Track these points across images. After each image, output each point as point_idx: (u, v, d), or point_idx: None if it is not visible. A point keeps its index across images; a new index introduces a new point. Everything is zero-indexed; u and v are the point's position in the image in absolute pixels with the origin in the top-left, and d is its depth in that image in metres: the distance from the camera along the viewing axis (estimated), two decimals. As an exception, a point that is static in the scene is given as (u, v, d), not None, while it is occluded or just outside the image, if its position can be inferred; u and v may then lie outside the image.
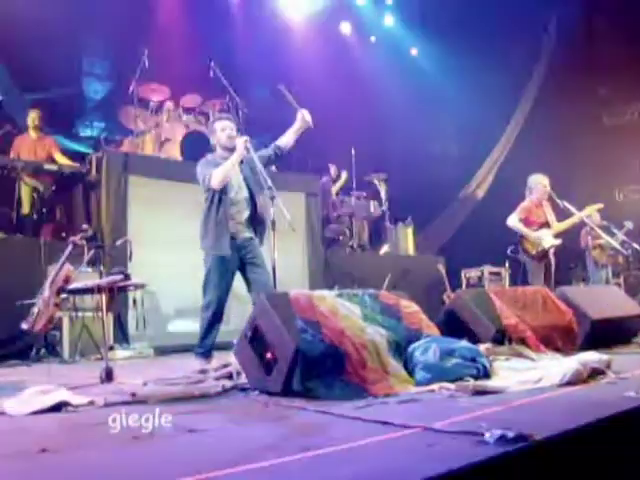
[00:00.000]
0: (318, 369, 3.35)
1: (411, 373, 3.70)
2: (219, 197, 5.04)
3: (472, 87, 11.42)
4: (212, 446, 2.48)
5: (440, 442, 2.29)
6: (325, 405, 3.08)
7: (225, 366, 4.45)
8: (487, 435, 2.18)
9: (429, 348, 3.72)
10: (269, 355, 3.46)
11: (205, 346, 5.04)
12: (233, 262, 5.07)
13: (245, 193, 5.17)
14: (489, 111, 11.63)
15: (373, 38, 13.41)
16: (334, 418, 2.87)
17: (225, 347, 5.30)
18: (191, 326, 5.24)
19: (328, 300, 3.70)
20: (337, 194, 10.81)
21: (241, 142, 4.99)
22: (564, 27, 12.31)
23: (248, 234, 5.14)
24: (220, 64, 9.38)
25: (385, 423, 2.63)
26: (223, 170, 4.97)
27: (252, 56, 11.05)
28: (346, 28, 13.02)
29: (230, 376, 4.17)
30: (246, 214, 5.14)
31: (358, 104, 11.74)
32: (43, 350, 6.50)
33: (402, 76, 12.28)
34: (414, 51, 13.57)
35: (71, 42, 10.21)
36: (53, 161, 8.13)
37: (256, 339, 3.58)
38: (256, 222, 5.18)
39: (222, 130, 5.19)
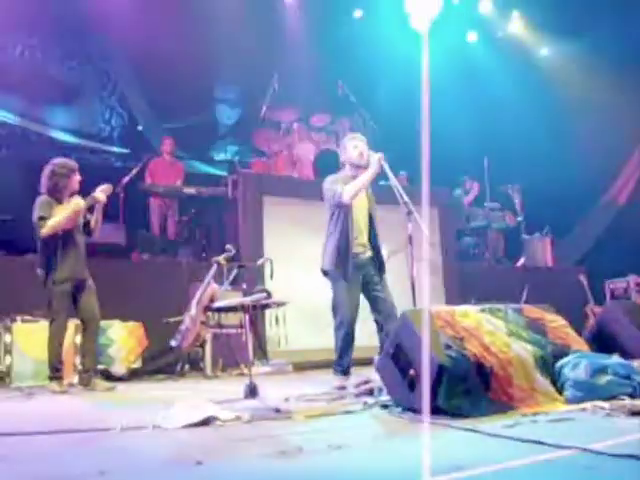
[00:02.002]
0: (463, 386, 3.28)
1: (560, 390, 3.55)
2: (343, 216, 5.07)
3: (610, 86, 10.88)
4: (362, 463, 2.47)
5: (601, 465, 2.17)
6: (472, 423, 3.02)
7: (366, 382, 4.44)
8: (655, 459, 2.04)
9: (579, 364, 3.55)
10: (412, 372, 3.42)
11: (343, 365, 5.07)
12: (357, 281, 5.09)
13: (366, 212, 5.18)
14: (630, 111, 11.03)
15: (499, 46, 13.12)
16: (483, 437, 2.80)
17: (359, 363, 5.32)
18: (328, 342, 5.29)
19: (471, 315, 3.62)
20: (470, 206, 10.61)
21: (376, 158, 4.98)
22: None
23: (369, 253, 5.14)
24: (348, 80, 9.49)
25: (537, 443, 2.53)
26: (356, 186, 5.00)
27: (378, 70, 11.10)
28: (472, 37, 12.82)
29: (371, 392, 4.16)
30: (367, 234, 5.15)
31: (488, 113, 11.50)
32: (187, 365, 6.77)
33: (531, 82, 11.91)
34: (543, 52, 13.14)
35: (203, 71, 10.67)
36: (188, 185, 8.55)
37: (398, 355, 3.56)
38: (376, 241, 5.17)
39: (354, 147, 5.23)
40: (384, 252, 5.11)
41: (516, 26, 13.00)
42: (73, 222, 5.50)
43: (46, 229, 5.36)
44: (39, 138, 10.06)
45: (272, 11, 10.90)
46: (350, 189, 4.99)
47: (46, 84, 9.80)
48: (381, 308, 5.08)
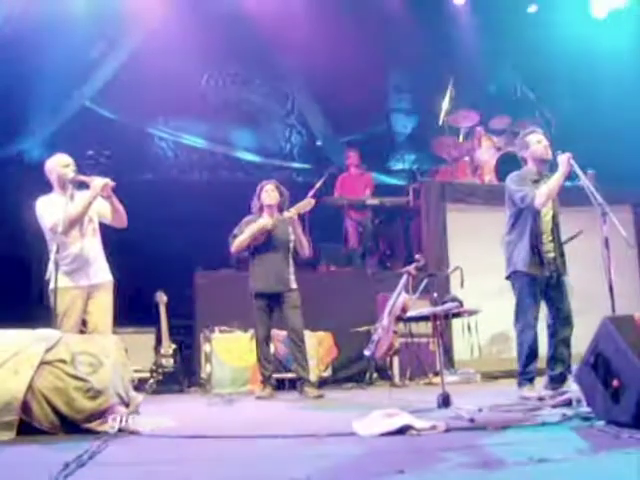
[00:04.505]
0: (675, 398, 3.06)
1: None
2: (531, 217, 4.90)
3: None
4: (567, 478, 2.39)
5: None
6: (688, 440, 2.80)
7: (562, 393, 4.29)
8: None
9: None
10: (615, 382, 3.24)
11: (530, 373, 4.93)
12: (541, 282, 4.93)
13: (551, 214, 5.00)
14: None
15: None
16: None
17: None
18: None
19: (680, 322, 3.37)
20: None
21: (565, 158, 4.75)
22: None
23: (553, 254, 4.95)
24: (525, 78, 9.18)
25: None
26: (551, 190, 4.79)
27: (557, 65, 10.58)
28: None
29: (569, 403, 3.99)
30: (552, 235, 4.97)
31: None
32: (375, 374, 6.87)
33: None
34: None
35: (376, 81, 10.78)
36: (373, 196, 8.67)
37: (599, 365, 3.39)
38: (560, 242, 4.98)
39: (538, 142, 5.01)
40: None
41: None
42: (259, 239, 5.76)
43: (232, 247, 5.81)
44: (226, 159, 10.73)
45: (442, 14, 10.73)
46: (543, 193, 4.77)
47: (230, 108, 10.41)
48: (558, 313, 4.94)
